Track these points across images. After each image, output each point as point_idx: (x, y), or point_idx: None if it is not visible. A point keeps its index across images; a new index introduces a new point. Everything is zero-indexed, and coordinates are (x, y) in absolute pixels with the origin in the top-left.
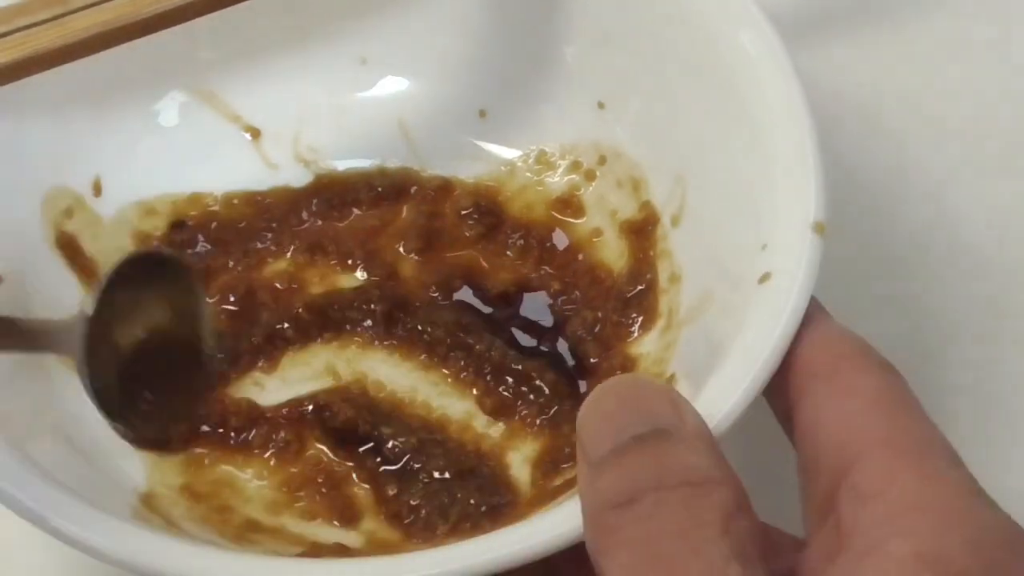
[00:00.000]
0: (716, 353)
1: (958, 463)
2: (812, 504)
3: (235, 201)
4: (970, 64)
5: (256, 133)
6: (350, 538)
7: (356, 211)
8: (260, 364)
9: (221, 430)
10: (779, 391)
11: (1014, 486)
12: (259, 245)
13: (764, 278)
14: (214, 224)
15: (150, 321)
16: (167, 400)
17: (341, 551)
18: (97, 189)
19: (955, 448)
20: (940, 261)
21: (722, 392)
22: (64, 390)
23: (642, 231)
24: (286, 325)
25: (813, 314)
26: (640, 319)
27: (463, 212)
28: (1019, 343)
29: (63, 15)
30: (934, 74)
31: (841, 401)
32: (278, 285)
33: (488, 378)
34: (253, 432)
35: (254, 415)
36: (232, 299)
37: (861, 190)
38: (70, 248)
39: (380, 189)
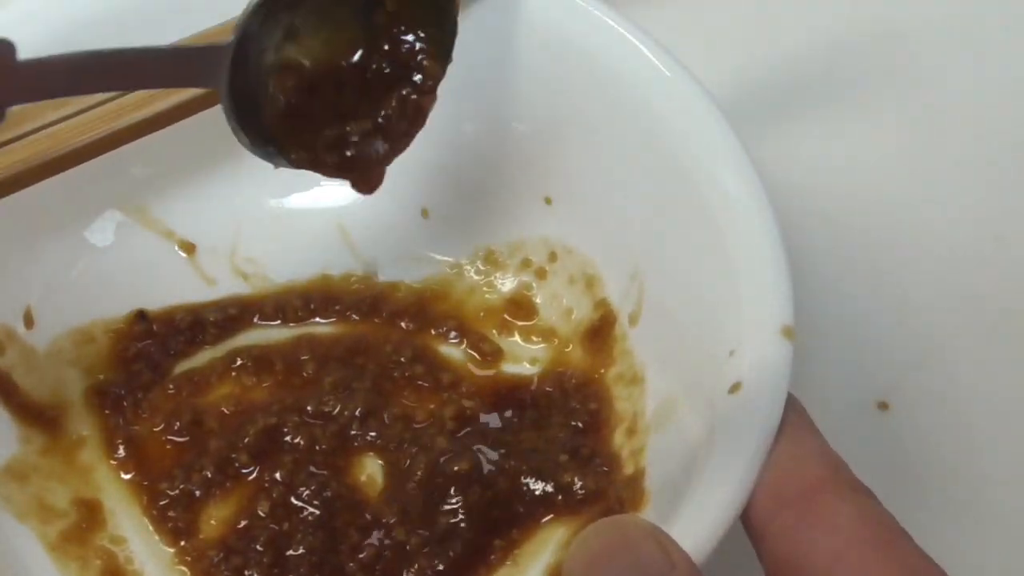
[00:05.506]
0: (689, 471)
1: None
2: None
3: (177, 316)
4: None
5: (191, 248)
6: None
7: (294, 324)
8: (215, 496)
9: None
10: (746, 510)
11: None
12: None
13: (734, 388)
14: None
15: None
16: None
17: None
18: (29, 321)
19: None
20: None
21: (699, 521)
22: None
23: (600, 332)
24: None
25: (786, 423)
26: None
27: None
28: None
29: None
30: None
31: (822, 537)
32: (225, 410)
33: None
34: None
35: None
36: (177, 427)
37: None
38: (3, 386)
39: (319, 302)
